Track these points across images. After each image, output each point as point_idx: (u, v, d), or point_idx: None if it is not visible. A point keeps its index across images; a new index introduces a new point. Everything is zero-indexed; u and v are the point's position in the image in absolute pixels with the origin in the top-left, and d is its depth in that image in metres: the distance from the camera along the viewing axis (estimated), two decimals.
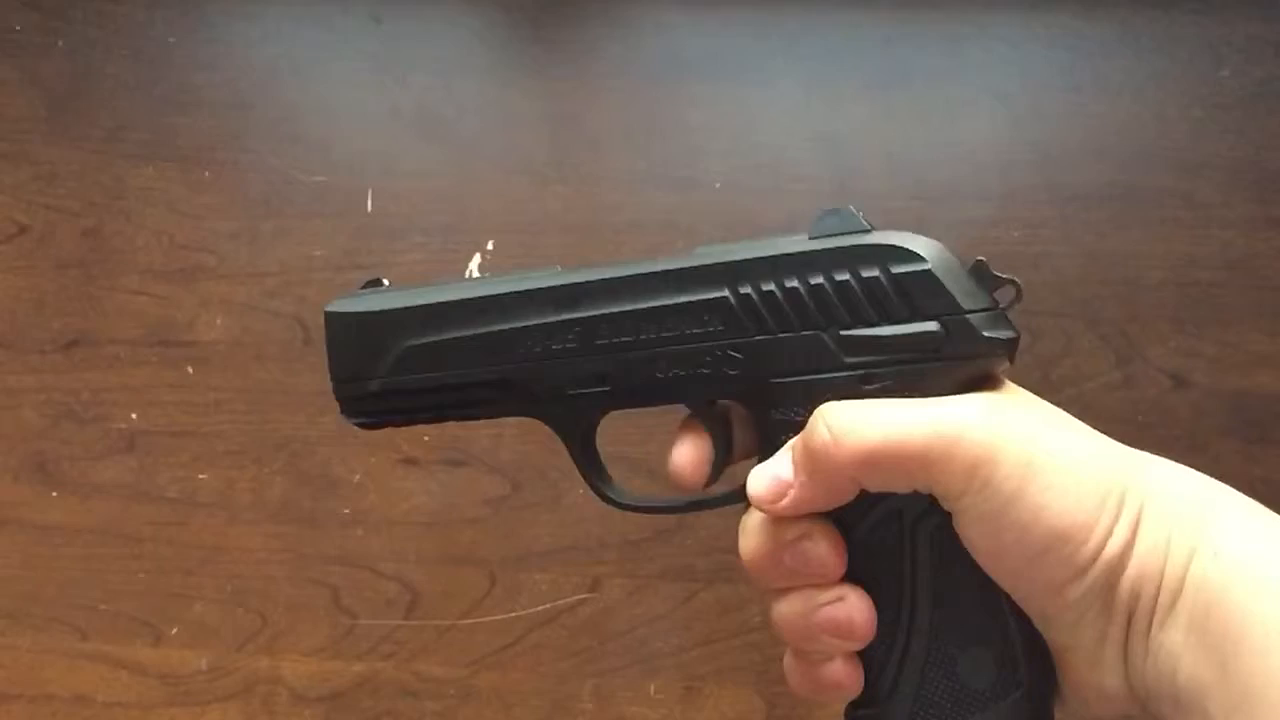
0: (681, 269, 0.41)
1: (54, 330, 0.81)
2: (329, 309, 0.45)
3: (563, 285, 0.42)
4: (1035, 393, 0.39)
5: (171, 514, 0.80)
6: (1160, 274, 0.73)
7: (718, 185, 0.77)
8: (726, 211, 0.76)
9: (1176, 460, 0.36)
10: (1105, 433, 0.37)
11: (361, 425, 0.45)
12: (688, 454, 0.42)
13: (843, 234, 0.39)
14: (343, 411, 0.45)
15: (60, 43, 0.82)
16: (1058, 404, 0.39)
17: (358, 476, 0.78)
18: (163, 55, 0.81)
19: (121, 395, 0.80)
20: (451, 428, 0.77)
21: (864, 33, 0.77)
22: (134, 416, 0.80)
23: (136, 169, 0.81)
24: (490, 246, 0.78)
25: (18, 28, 0.82)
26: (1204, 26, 0.74)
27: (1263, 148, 0.73)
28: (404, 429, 0.77)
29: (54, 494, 0.81)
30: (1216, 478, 0.36)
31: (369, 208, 0.79)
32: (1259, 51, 0.74)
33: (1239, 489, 0.35)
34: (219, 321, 0.80)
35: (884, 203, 0.74)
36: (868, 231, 0.39)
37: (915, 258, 0.38)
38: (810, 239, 0.40)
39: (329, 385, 0.45)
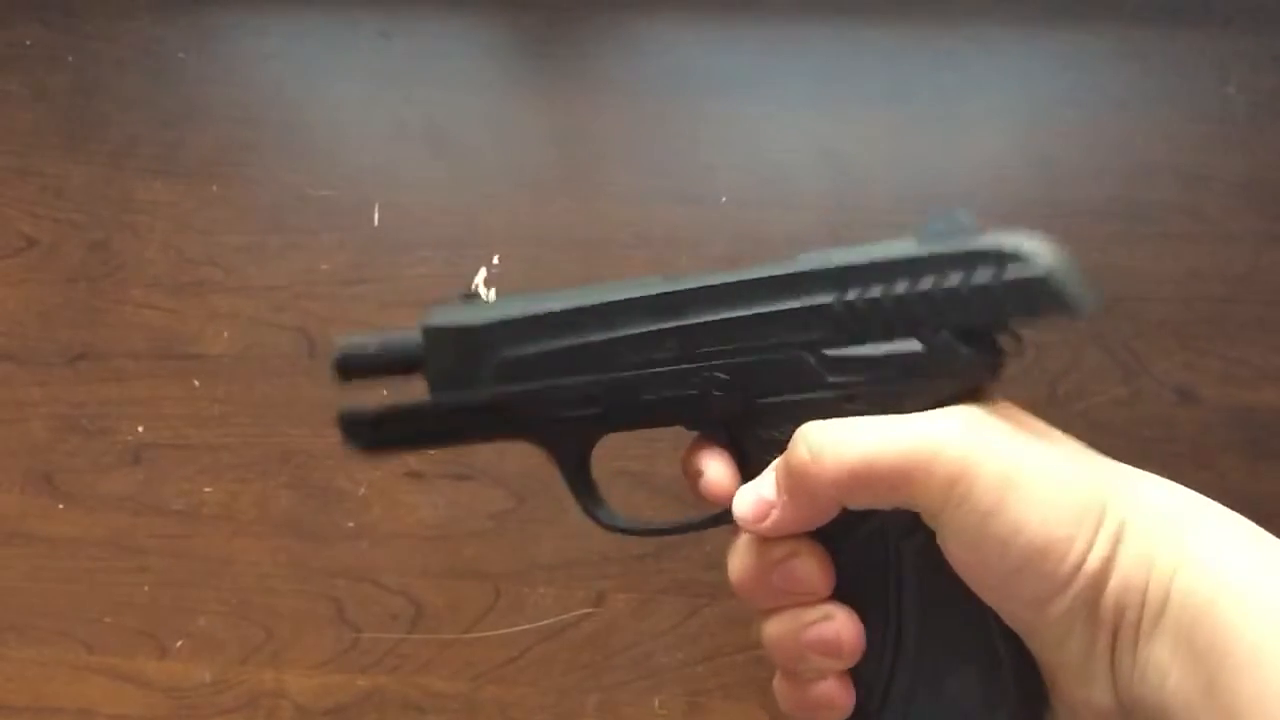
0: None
1: (61, 343, 0.81)
2: (428, 322, 0.45)
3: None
4: (1040, 408, 0.39)
5: (177, 527, 0.80)
6: (1166, 289, 0.73)
7: (724, 200, 0.77)
8: (733, 226, 0.76)
9: (1181, 476, 0.36)
10: (1110, 448, 0.37)
11: (362, 451, 0.46)
12: (721, 470, 0.41)
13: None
14: (345, 441, 0.46)
15: (70, 57, 0.82)
16: (1063, 419, 0.39)
17: (362, 490, 0.78)
18: (172, 70, 0.82)
19: (128, 408, 0.81)
20: None
21: (870, 49, 0.77)
22: (140, 429, 0.80)
23: (144, 183, 0.81)
24: (496, 260, 0.78)
25: (28, 42, 0.83)
26: (1209, 42, 0.74)
27: (1269, 163, 0.73)
28: None
29: (60, 506, 0.81)
30: (1221, 494, 0.36)
31: (376, 222, 0.79)
32: (1265, 67, 0.74)
33: (1244, 505, 0.35)
34: (225, 335, 0.80)
35: (889, 218, 0.74)
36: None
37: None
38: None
39: (330, 399, 0.45)
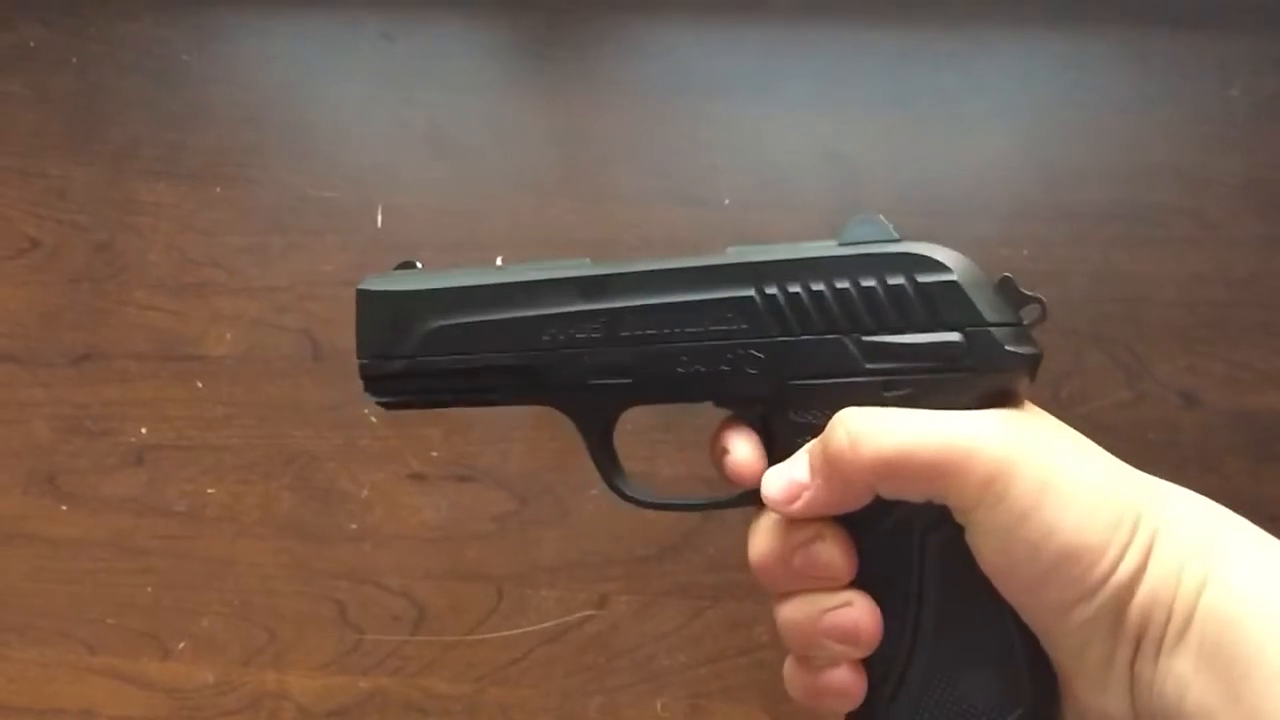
0: (710, 266, 0.41)
1: (65, 344, 0.82)
2: (360, 286, 0.46)
3: (591, 276, 0.42)
4: (1044, 411, 0.39)
5: (180, 528, 0.80)
6: (1169, 292, 0.73)
7: (726, 202, 0.77)
8: (735, 228, 0.76)
9: (1186, 479, 0.36)
10: (1114, 451, 0.37)
11: (383, 404, 0.46)
12: (747, 450, 0.41)
13: (872, 242, 0.40)
14: (366, 389, 0.45)
15: (74, 59, 0.83)
16: (1067, 423, 0.39)
17: (365, 491, 0.78)
18: (176, 72, 0.82)
19: (131, 409, 0.81)
20: (459, 443, 0.77)
21: (873, 51, 0.77)
22: (143, 431, 0.80)
23: (148, 184, 0.81)
24: (499, 262, 0.78)
25: (32, 44, 0.83)
26: (1212, 44, 0.74)
27: (1271, 165, 0.73)
28: (412, 444, 0.77)
29: (63, 508, 0.81)
30: (1225, 497, 0.36)
31: (379, 223, 0.79)
32: (1267, 69, 0.74)
33: (1248, 508, 0.35)
34: (228, 336, 0.80)
35: (892, 220, 0.74)
36: (897, 241, 0.40)
37: (942, 268, 0.38)
38: (840, 245, 0.40)
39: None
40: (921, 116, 0.76)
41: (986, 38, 0.76)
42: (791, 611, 0.39)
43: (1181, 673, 0.33)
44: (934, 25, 0.76)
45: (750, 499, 0.41)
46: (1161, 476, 0.37)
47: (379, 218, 0.79)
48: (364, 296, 0.45)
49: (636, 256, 0.75)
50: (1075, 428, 0.38)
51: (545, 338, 0.42)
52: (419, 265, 0.46)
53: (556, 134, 0.79)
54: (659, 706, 0.75)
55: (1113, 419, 0.73)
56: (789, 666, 0.40)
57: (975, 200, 0.75)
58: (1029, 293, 0.39)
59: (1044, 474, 0.34)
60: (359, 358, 0.45)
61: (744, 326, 0.40)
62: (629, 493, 0.44)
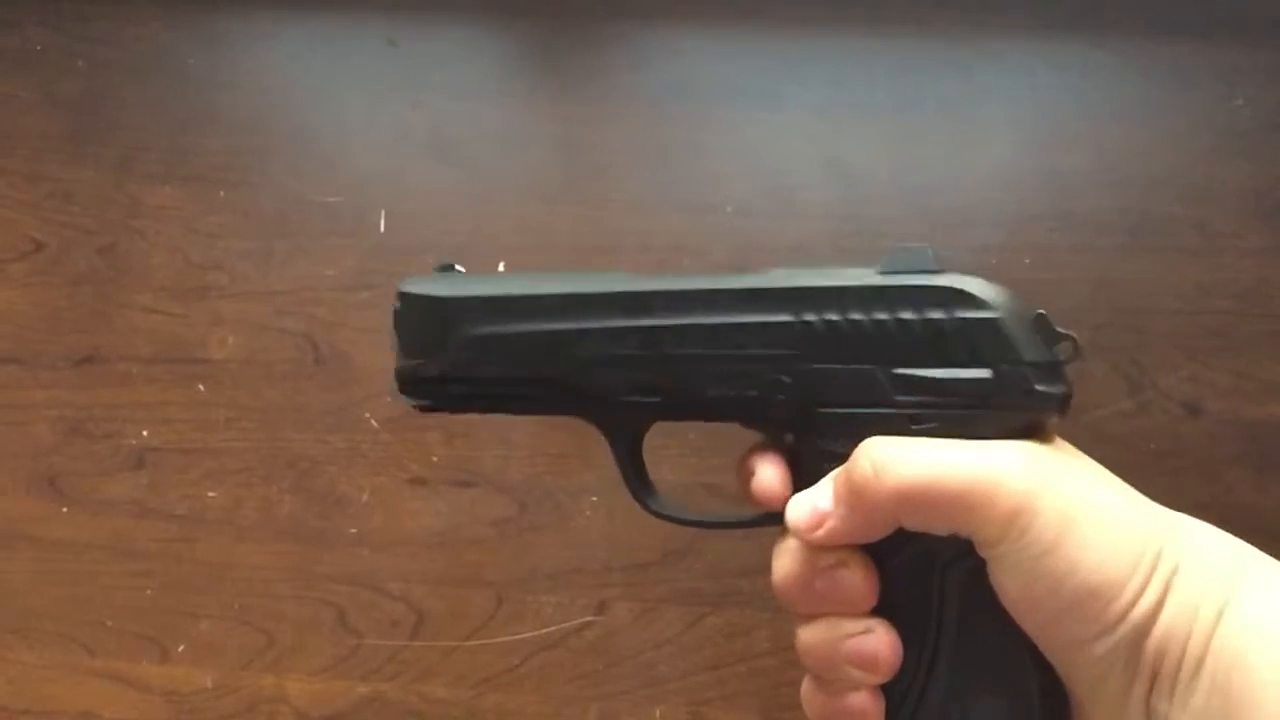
0: (750, 289, 0.41)
1: (67, 346, 0.82)
2: (403, 288, 0.45)
3: (633, 292, 0.42)
4: (1067, 443, 0.39)
5: (180, 531, 0.80)
6: (1172, 302, 0.73)
7: (729, 209, 0.77)
8: (738, 236, 0.76)
9: (1187, 490, 0.37)
10: (1116, 461, 0.37)
11: (417, 407, 0.46)
12: (772, 475, 0.42)
13: (914, 272, 0.39)
14: (400, 391, 0.46)
15: (80, 62, 0.83)
16: (1069, 432, 0.39)
17: (365, 496, 0.78)
18: (181, 76, 0.82)
19: (133, 412, 0.81)
20: (460, 448, 0.77)
21: (876, 59, 0.77)
22: (145, 433, 0.81)
23: (152, 188, 0.82)
24: (501, 268, 0.78)
25: (38, 47, 0.83)
26: (1218, 55, 0.74)
27: (1276, 176, 0.73)
28: (412, 449, 0.77)
29: (64, 510, 0.81)
30: (1227, 508, 0.36)
31: (382, 228, 0.79)
32: (1272, 79, 0.74)
33: (1249, 519, 0.35)
34: (230, 340, 0.80)
35: (895, 229, 0.74)
36: (939, 273, 0.39)
37: (983, 304, 0.38)
38: (881, 273, 0.40)
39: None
40: (924, 125, 0.76)
41: (990, 46, 0.76)
42: (812, 635, 0.39)
43: (1196, 709, 0.33)
44: (938, 34, 0.76)
45: (773, 519, 0.41)
46: (1163, 486, 0.37)
47: (382, 223, 0.79)
48: (406, 298, 0.45)
49: (635, 265, 0.76)
50: (1077, 437, 0.38)
51: (582, 351, 0.42)
52: (460, 269, 0.46)
53: (559, 140, 0.79)
54: (658, 714, 0.75)
55: (1115, 428, 0.73)
56: (807, 687, 0.40)
57: (978, 208, 0.75)
58: (1062, 330, 0.38)
59: (1067, 509, 0.34)
60: (396, 359, 0.45)
61: (778, 351, 0.40)
62: (655, 507, 0.45)
